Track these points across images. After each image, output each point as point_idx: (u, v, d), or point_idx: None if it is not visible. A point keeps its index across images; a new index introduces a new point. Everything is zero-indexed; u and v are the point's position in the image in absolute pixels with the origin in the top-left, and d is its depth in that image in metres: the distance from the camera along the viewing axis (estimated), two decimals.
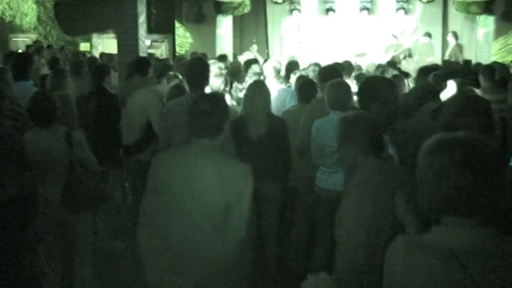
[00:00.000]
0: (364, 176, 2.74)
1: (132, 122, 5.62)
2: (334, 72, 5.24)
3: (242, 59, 11.88)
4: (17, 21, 17.43)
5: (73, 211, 4.22)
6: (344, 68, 7.05)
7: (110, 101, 5.92)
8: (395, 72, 6.84)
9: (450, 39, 13.59)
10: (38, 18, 17.85)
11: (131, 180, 5.96)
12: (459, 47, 13.22)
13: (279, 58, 12.50)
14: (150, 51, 12.68)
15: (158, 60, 10.04)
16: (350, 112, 3.54)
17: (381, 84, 3.43)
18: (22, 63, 6.63)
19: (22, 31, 17.59)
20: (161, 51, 16.33)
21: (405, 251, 1.77)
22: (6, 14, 17.30)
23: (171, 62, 9.83)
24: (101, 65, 6.52)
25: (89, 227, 4.44)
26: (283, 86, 6.61)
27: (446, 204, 1.75)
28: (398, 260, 1.78)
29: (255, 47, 15.37)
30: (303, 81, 5.90)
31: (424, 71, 5.94)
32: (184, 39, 17.25)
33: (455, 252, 1.69)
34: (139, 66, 6.62)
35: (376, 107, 3.29)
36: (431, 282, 1.69)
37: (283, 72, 7.54)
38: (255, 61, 8.25)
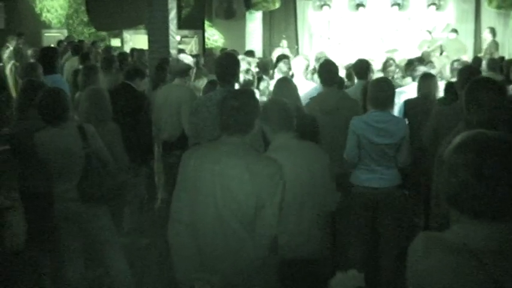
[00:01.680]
0: (275, 147, 3.48)
1: (171, 117, 5.69)
2: (332, 67, 5.33)
3: (274, 55, 11.89)
4: (49, 17, 17.70)
5: (91, 203, 4.20)
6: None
7: (134, 98, 5.89)
8: (425, 69, 6.73)
9: (487, 35, 13.29)
10: (71, 14, 18.09)
11: (167, 174, 5.97)
12: (495, 44, 12.96)
13: (308, 54, 12.49)
14: (180, 46, 12.76)
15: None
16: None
17: (481, 88, 3.28)
18: (48, 57, 6.69)
19: (54, 27, 17.84)
20: (191, 46, 16.43)
21: (425, 249, 1.77)
22: (38, 11, 17.58)
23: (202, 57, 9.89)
24: (137, 68, 6.51)
25: (106, 222, 4.39)
26: (310, 82, 6.59)
27: (454, 202, 1.76)
28: (419, 258, 1.77)
29: (284, 42, 15.34)
30: (323, 62, 5.90)
31: None
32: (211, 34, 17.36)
33: (474, 251, 1.68)
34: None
35: (474, 111, 3.22)
36: (452, 281, 1.68)
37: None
38: (285, 57, 8.24)
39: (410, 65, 7.16)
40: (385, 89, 4.51)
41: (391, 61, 7.70)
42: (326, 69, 5.30)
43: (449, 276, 1.68)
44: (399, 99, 5.92)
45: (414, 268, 1.80)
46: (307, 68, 6.74)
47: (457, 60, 8.11)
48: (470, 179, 1.69)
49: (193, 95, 5.59)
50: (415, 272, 1.79)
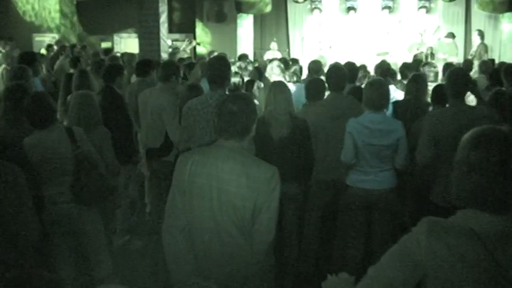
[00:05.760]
0: None
1: (153, 122, 5.61)
2: (340, 73, 5.29)
3: (265, 58, 11.89)
4: (40, 21, 17.64)
5: (83, 205, 4.18)
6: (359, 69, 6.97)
7: (115, 100, 5.83)
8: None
9: (475, 38, 13.40)
10: (60, 18, 18.04)
11: (155, 180, 5.93)
12: (484, 47, 13.04)
13: (300, 57, 12.51)
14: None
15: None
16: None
17: None
18: (26, 61, 6.81)
19: (45, 31, 17.77)
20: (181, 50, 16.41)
21: (428, 230, 1.77)
22: (28, 15, 17.52)
23: (193, 61, 9.85)
24: (114, 65, 6.49)
25: (97, 225, 4.38)
26: (291, 84, 6.62)
27: (473, 198, 1.75)
28: (422, 238, 1.77)
29: (274, 45, 15.35)
30: (310, 79, 5.90)
31: None
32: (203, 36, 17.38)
33: (477, 233, 1.70)
34: (139, 68, 6.77)
35: None
36: (453, 261, 1.70)
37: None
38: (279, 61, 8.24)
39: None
40: (379, 90, 4.50)
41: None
42: (334, 75, 5.23)
43: (452, 256, 1.70)
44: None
45: (414, 249, 1.79)
46: (283, 71, 6.77)
47: (448, 63, 8.13)
48: (495, 174, 1.70)
49: (175, 100, 5.51)
50: (416, 253, 1.78)
